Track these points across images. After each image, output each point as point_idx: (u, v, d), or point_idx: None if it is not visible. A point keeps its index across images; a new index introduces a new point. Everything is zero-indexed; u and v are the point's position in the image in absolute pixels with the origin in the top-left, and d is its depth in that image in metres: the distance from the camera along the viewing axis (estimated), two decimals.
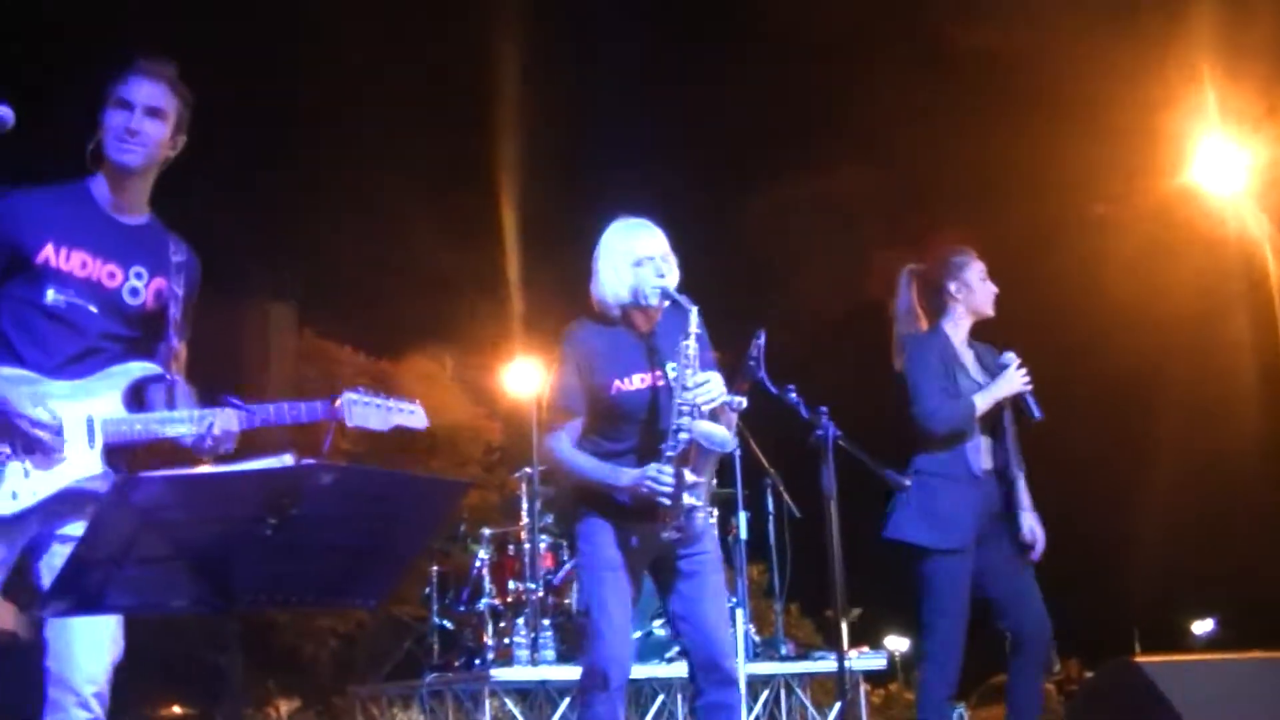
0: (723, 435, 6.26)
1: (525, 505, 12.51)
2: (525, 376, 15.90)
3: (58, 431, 5.19)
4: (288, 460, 4.44)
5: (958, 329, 7.75)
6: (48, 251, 5.28)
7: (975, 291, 7.74)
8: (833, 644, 12.59)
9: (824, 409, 6.56)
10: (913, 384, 7.55)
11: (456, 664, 12.17)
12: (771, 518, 12.20)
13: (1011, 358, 7.60)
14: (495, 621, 12.00)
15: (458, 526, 13.56)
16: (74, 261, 5.33)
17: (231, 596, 4.49)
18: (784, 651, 12.18)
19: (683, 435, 6.22)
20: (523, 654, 11.37)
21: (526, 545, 12.09)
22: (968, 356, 7.71)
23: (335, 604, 4.85)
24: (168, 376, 5.49)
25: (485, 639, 11.87)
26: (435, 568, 13.11)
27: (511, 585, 12.14)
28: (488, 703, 11.09)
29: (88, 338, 5.34)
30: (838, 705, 11.65)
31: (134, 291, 5.45)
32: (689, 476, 6.20)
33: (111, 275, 5.40)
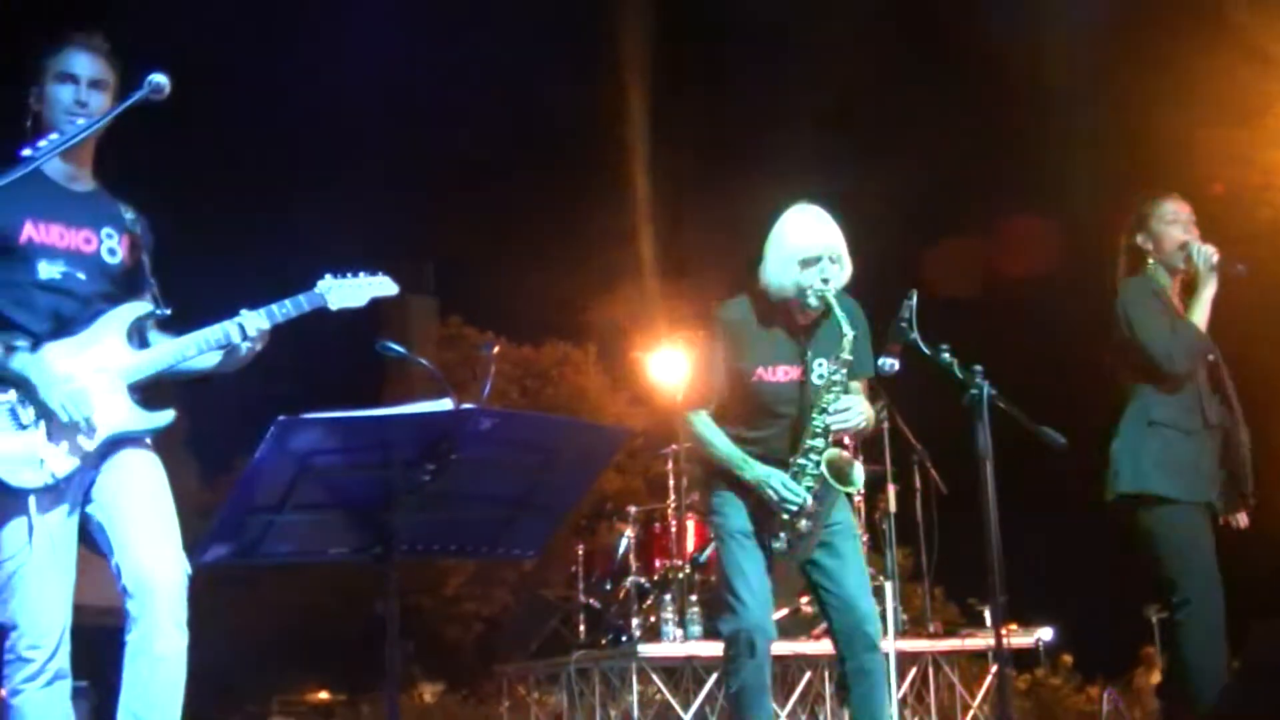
0: (852, 476, 6.27)
1: (672, 483, 12.44)
2: (668, 362, 15.82)
3: (83, 391, 5.33)
4: (446, 405, 4.44)
5: (1171, 280, 7.34)
6: (29, 230, 5.46)
7: (1161, 239, 7.30)
8: (980, 625, 12.54)
9: (978, 368, 6.45)
10: (1138, 328, 7.13)
11: (603, 642, 12.12)
12: (919, 494, 12.08)
13: (1206, 250, 7.18)
14: (642, 599, 11.94)
15: (603, 505, 13.55)
16: (53, 234, 5.51)
17: (390, 544, 4.49)
18: (932, 629, 12.06)
19: (814, 457, 6.21)
20: (670, 631, 11.32)
21: (673, 523, 12.02)
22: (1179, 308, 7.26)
23: (492, 555, 4.85)
24: (158, 311, 5.68)
25: (632, 617, 11.82)
26: (581, 547, 13.08)
27: (658, 563, 12.08)
28: (635, 680, 11.04)
29: (82, 301, 5.51)
30: (986, 682, 11.54)
31: (111, 251, 5.64)
32: (810, 504, 6.20)
33: (88, 241, 5.59)
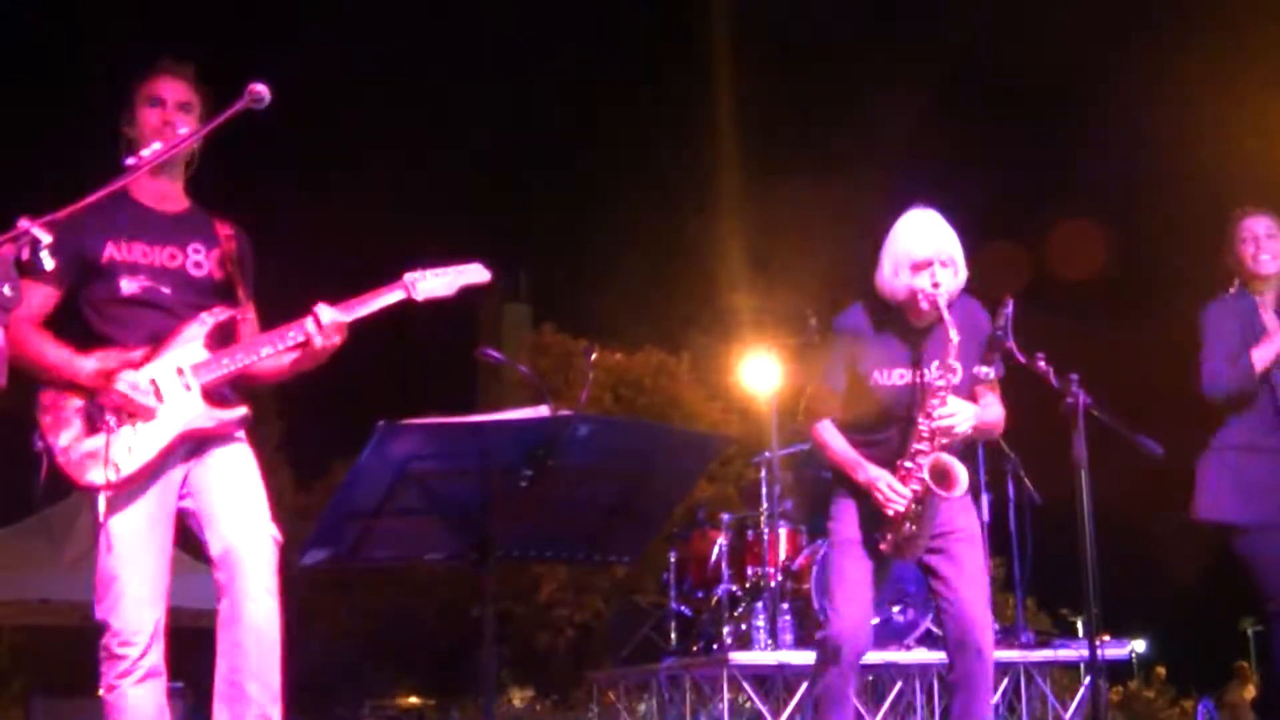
0: (958, 473, 6.20)
1: (765, 491, 12.42)
2: (761, 370, 15.81)
3: (154, 389, 5.40)
4: (544, 411, 4.47)
5: (1261, 296, 7.31)
6: (110, 250, 5.56)
7: (1241, 259, 7.33)
8: (1072, 636, 12.47)
9: (1074, 376, 6.45)
10: (1204, 346, 7.18)
11: (694, 649, 12.13)
12: (1012, 504, 12.02)
13: (1262, 259, 7.19)
14: (733, 607, 11.93)
15: (696, 513, 13.55)
16: (136, 252, 5.61)
17: (488, 549, 4.53)
18: (1024, 639, 11.99)
19: (920, 460, 6.22)
20: (761, 639, 11.32)
21: (765, 531, 12.00)
22: (1273, 323, 7.25)
23: (589, 560, 4.88)
24: (240, 316, 5.70)
25: (723, 624, 11.82)
26: (673, 554, 13.08)
27: (750, 571, 12.07)
28: (725, 687, 11.04)
29: (169, 313, 5.60)
30: (1080, 694, 11.47)
31: (197, 265, 5.72)
32: (916, 508, 6.23)
33: (172, 257, 5.67)
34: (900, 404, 6.39)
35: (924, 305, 6.29)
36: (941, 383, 6.23)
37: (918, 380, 6.37)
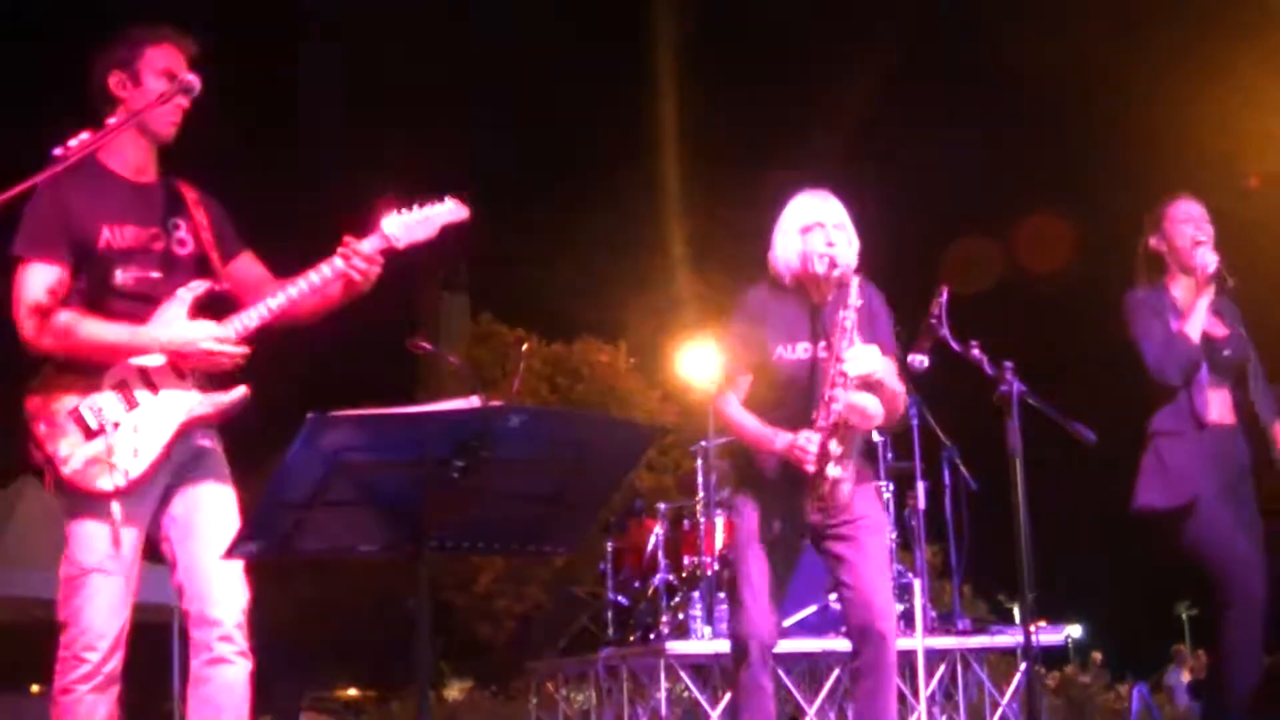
0: (873, 408, 6.22)
1: (701, 479, 12.44)
2: (699, 359, 15.81)
3: (151, 378, 5.34)
4: (475, 402, 4.46)
5: (1182, 289, 7.27)
6: (106, 235, 5.40)
7: (1174, 239, 7.25)
8: (1009, 622, 12.54)
9: (1009, 364, 6.47)
10: (1135, 342, 7.13)
11: (632, 639, 12.13)
12: (949, 491, 12.06)
13: (1206, 257, 7.11)
14: (671, 596, 11.95)
15: (633, 503, 13.56)
16: (128, 237, 5.44)
17: (421, 541, 4.51)
18: (961, 626, 12.04)
19: (835, 405, 6.24)
20: (698, 628, 11.33)
21: (702, 520, 12.00)
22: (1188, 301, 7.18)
23: (525, 551, 4.86)
24: (217, 287, 5.56)
25: (660, 614, 11.82)
26: (611, 544, 13.09)
27: (687, 560, 12.07)
28: (663, 677, 11.04)
29: (159, 302, 5.45)
30: (1015, 680, 11.51)
31: (180, 243, 5.57)
32: (834, 448, 6.22)
33: (155, 238, 5.51)
34: (803, 378, 6.47)
35: (819, 267, 6.40)
36: (849, 324, 6.28)
37: (820, 354, 6.43)
